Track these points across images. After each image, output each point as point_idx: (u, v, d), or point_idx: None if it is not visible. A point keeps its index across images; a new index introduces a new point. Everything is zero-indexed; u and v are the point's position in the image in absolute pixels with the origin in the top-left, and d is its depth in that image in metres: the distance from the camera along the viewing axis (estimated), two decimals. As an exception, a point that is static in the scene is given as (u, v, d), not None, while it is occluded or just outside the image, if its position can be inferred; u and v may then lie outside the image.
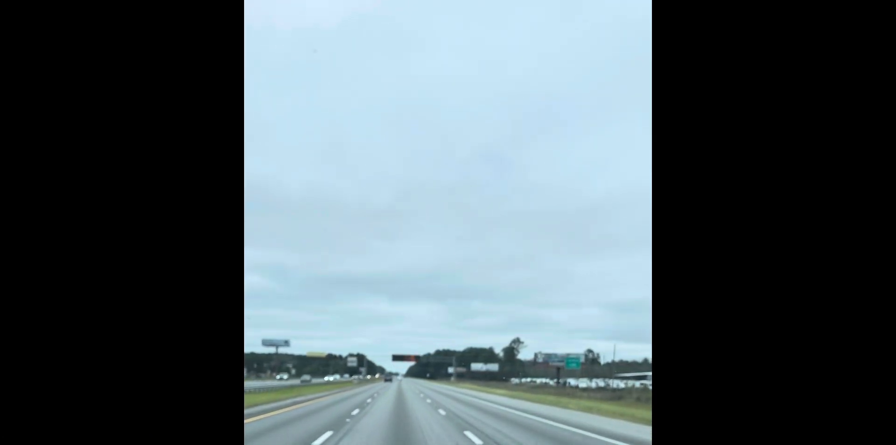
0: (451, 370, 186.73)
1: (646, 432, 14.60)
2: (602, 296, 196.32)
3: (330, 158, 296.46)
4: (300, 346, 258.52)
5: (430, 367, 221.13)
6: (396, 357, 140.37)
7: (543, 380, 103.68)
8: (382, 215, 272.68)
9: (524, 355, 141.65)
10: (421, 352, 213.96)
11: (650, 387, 35.05)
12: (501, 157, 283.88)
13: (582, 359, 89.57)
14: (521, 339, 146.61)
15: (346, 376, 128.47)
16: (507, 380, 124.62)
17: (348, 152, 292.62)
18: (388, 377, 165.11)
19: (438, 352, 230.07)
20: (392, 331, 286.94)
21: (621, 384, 66.03)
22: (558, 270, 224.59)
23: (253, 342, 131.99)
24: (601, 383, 74.06)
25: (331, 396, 40.38)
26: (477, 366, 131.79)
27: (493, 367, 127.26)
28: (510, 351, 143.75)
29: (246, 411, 21.21)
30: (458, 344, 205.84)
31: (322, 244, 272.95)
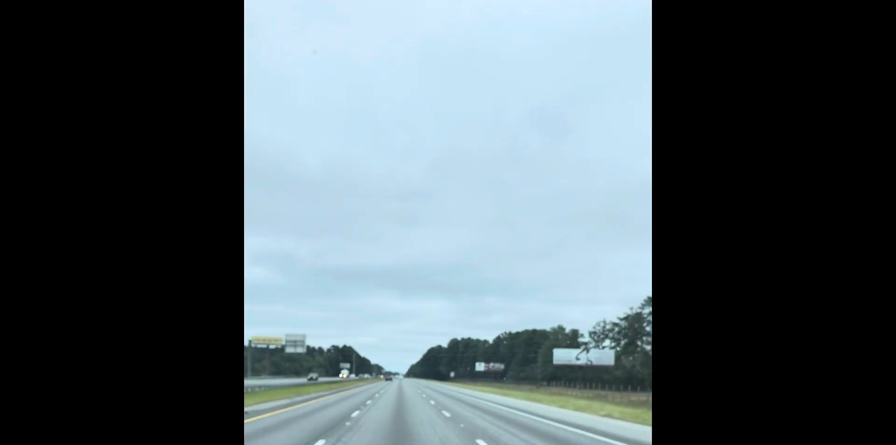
0: (480, 366, 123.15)
1: None
2: (629, 292, 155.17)
3: (356, 124, 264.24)
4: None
5: (444, 363, 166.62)
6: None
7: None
8: (407, 196, 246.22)
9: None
10: (425, 348, 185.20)
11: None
12: (557, 120, 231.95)
13: None
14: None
15: (297, 377, 64.34)
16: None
17: (378, 117, 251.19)
18: (389, 376, 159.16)
19: (455, 343, 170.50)
20: (398, 330, 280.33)
21: None
22: (588, 262, 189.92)
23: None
24: None
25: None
26: (564, 354, 66.99)
27: (607, 358, 63.05)
28: (635, 322, 70.26)
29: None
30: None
31: (335, 230, 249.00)
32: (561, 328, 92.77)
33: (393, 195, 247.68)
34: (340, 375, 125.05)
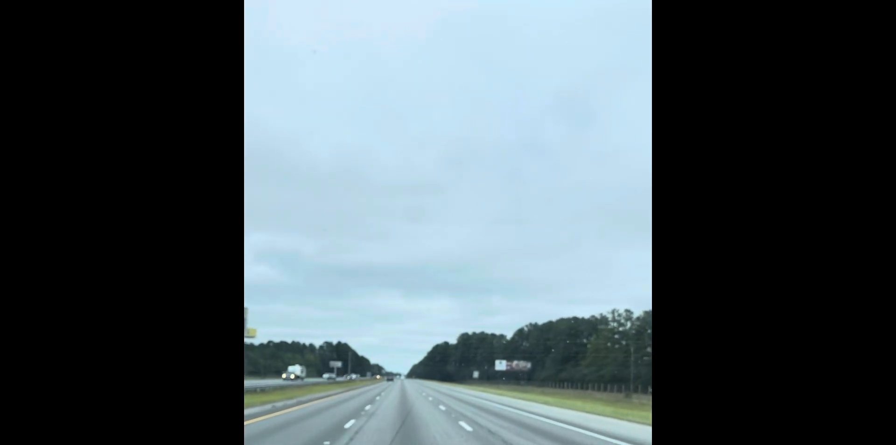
0: (501, 365, 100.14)
1: None
2: (636, 291, 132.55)
3: (366, 112, 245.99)
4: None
5: (452, 362, 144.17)
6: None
7: None
8: (417, 190, 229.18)
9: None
10: (428, 348, 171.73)
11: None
12: (583, 106, 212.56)
13: None
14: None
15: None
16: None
17: (391, 104, 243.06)
18: (390, 377, 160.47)
19: (466, 338, 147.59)
20: (401, 330, 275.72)
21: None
22: (600, 260, 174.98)
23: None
24: None
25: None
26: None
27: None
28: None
29: None
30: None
31: (341, 226, 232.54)
32: (625, 313, 68.49)
33: (402, 189, 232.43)
34: (285, 375, 75.66)
